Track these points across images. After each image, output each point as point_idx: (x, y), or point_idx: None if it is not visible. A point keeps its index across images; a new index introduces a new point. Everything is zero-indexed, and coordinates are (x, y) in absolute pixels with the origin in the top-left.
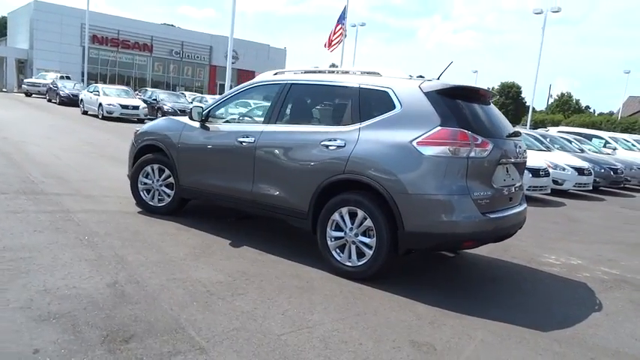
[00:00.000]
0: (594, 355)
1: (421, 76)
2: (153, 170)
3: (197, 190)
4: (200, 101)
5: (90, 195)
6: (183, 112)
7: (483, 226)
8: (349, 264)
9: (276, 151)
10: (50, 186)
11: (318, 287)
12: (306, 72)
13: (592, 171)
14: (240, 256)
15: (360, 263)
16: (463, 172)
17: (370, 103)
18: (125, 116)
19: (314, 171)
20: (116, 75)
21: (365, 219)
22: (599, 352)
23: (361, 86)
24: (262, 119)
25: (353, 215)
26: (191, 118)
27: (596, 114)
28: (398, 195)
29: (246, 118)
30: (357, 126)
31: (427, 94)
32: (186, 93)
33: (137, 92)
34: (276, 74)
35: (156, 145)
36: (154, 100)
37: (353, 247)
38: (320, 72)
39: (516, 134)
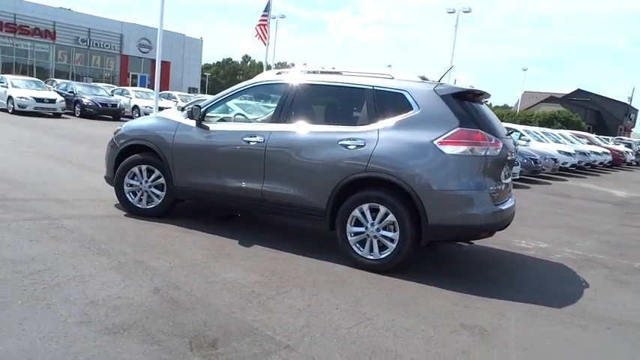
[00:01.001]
0: (608, 325)
1: (424, 78)
2: (141, 171)
3: (195, 191)
4: (121, 93)
5: (60, 199)
6: (105, 106)
7: (496, 218)
8: (371, 257)
9: (290, 150)
10: (9, 191)
11: (350, 281)
12: (312, 72)
13: (518, 162)
14: (256, 256)
15: (382, 256)
16: (481, 169)
17: (386, 105)
18: (40, 110)
19: (332, 170)
20: (13, 64)
21: (387, 214)
22: (609, 322)
23: (375, 88)
24: (268, 118)
25: (374, 211)
26: (192, 118)
27: (492, 107)
28: (422, 191)
29: (248, 117)
30: (375, 126)
31: (443, 97)
32: (99, 85)
33: (47, 84)
34: (278, 74)
35: (144, 145)
36: (70, 92)
37: (375, 242)
38: (328, 73)
39: (509, 133)
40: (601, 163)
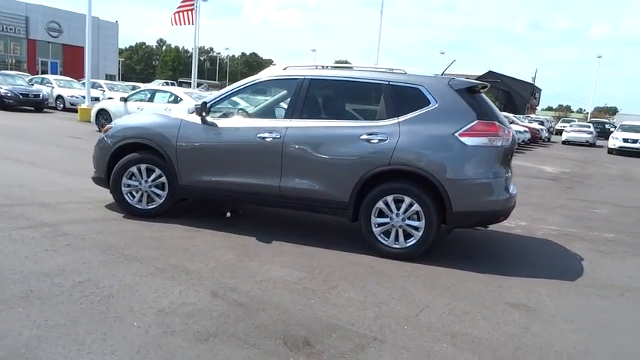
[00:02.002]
0: (620, 292)
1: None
2: (140, 171)
3: (203, 189)
4: (42, 82)
5: (43, 203)
6: (26, 97)
7: (510, 202)
8: (397, 246)
9: (309, 146)
10: None
11: (385, 271)
12: (323, 67)
13: None
14: (283, 252)
15: (409, 244)
16: (497, 158)
17: (403, 99)
18: None
19: (355, 164)
20: None
21: (412, 204)
22: (620, 290)
23: (391, 83)
24: (281, 114)
25: (397, 202)
26: (200, 114)
27: None
28: (446, 181)
29: (259, 113)
30: (394, 120)
31: (458, 92)
32: (11, 72)
33: None
34: (286, 69)
35: (143, 143)
36: None
37: (400, 231)
38: (340, 68)
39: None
40: (522, 141)
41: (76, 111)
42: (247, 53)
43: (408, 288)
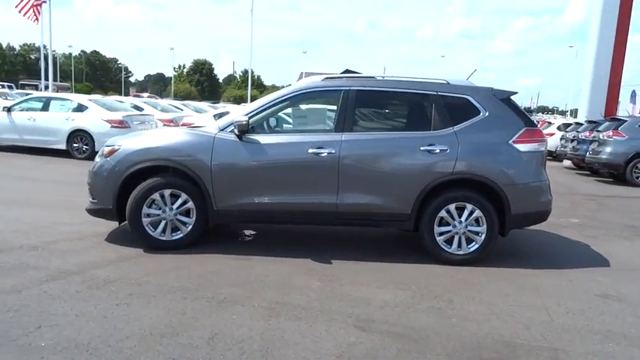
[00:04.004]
0: (636, 275)
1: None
2: (163, 197)
3: (243, 212)
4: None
5: (32, 246)
6: None
7: (551, 202)
8: (460, 252)
9: (368, 160)
10: None
11: (468, 279)
12: (364, 77)
13: None
14: (357, 271)
15: (472, 249)
16: (543, 162)
17: (454, 109)
18: None
19: (418, 175)
20: None
21: (473, 211)
22: (632, 268)
23: (439, 93)
24: (326, 127)
25: (459, 209)
26: (240, 133)
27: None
28: (506, 186)
29: (302, 127)
30: (450, 130)
31: (503, 100)
32: None
33: None
34: (325, 79)
35: (168, 166)
36: None
37: (463, 238)
38: (382, 79)
39: None
40: None
41: None
42: (88, 51)
43: (506, 292)
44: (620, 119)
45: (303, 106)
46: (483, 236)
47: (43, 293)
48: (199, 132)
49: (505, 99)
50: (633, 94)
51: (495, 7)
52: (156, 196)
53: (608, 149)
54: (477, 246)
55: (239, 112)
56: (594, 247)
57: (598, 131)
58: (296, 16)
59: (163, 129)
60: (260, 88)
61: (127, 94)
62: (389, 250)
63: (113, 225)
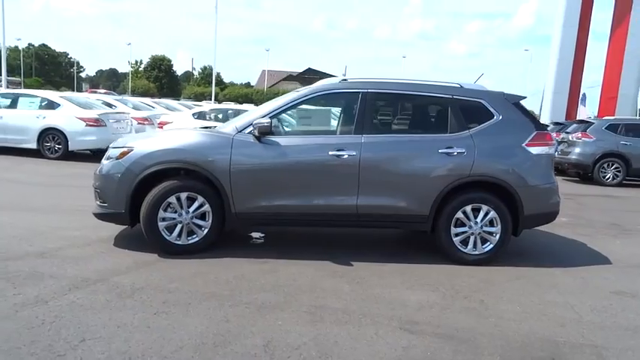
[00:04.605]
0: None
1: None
2: (179, 200)
3: (263, 215)
4: None
5: (40, 253)
6: None
7: (560, 204)
8: (475, 252)
9: (388, 162)
10: None
11: (490, 279)
12: (380, 80)
13: None
14: (380, 274)
15: (486, 249)
16: (552, 164)
17: (469, 112)
18: None
19: (436, 177)
20: None
21: (488, 212)
22: (632, 265)
23: (455, 97)
24: (345, 129)
25: (475, 210)
26: (261, 134)
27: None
28: (520, 188)
29: (319, 129)
30: (466, 133)
31: (514, 104)
32: None
33: None
34: (342, 82)
35: (183, 168)
36: None
37: (478, 238)
38: (397, 81)
39: None
40: None
41: None
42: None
43: (529, 291)
44: (587, 122)
45: (305, 107)
46: (498, 236)
47: (72, 303)
48: (216, 133)
49: (516, 103)
50: (584, 97)
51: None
52: (172, 199)
53: (577, 150)
54: (491, 246)
55: (256, 114)
56: (591, 246)
57: (567, 133)
58: (255, 13)
59: (176, 130)
60: (220, 85)
61: (79, 89)
62: (398, 251)
63: (116, 229)
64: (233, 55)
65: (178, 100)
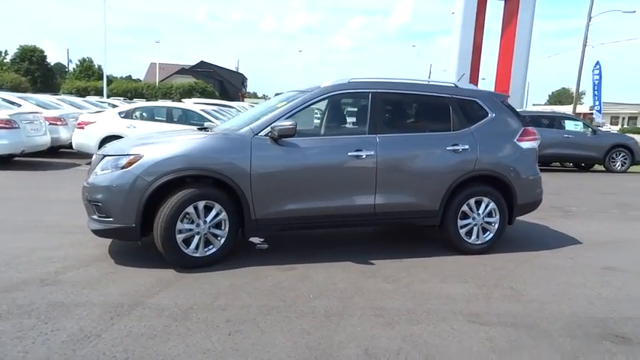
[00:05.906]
0: (608, 247)
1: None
2: (197, 210)
3: (284, 220)
4: None
5: (40, 278)
6: None
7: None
8: (478, 242)
9: (403, 160)
10: None
11: (501, 267)
12: (384, 80)
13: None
14: (408, 269)
15: (487, 239)
16: (537, 157)
17: (467, 111)
18: None
19: (445, 173)
20: None
21: (489, 203)
22: (599, 242)
23: (454, 96)
24: (359, 129)
25: (478, 203)
26: (279, 137)
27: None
28: (515, 180)
29: (331, 129)
30: (468, 130)
31: (503, 103)
32: None
33: None
34: (351, 82)
35: (205, 175)
36: None
37: (480, 229)
38: (398, 81)
39: None
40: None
41: None
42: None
43: (540, 275)
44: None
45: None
46: (496, 226)
47: (130, 333)
48: (231, 136)
49: (505, 101)
50: None
51: (333, 4)
52: (190, 209)
53: None
54: (491, 235)
55: (270, 115)
56: (554, 228)
57: None
58: (134, 2)
59: (186, 133)
60: (100, 79)
61: None
62: (402, 245)
63: (100, 245)
64: (111, 46)
65: (57, 95)
